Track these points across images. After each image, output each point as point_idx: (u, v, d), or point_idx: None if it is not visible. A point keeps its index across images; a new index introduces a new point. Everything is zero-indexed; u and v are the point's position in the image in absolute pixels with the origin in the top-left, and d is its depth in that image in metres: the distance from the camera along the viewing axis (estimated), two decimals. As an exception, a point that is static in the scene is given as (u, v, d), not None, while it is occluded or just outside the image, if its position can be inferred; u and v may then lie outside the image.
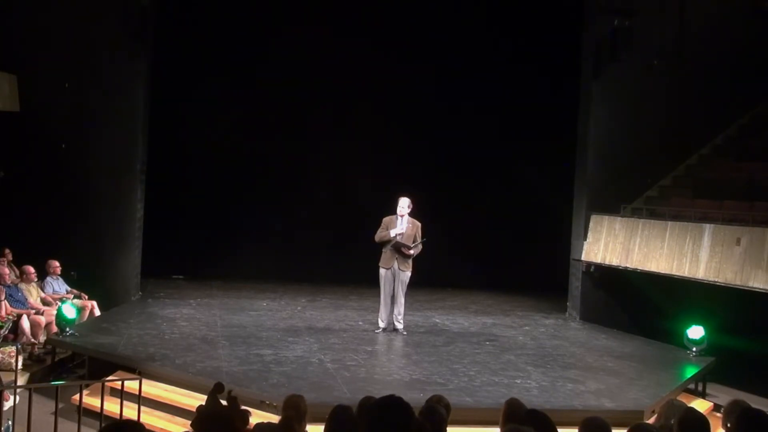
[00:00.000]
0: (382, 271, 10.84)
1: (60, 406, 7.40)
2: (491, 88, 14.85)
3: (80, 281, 11.65)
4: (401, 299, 10.87)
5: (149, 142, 13.04)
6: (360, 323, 11.63)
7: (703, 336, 10.36)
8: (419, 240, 10.73)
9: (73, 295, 11.23)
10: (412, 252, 10.74)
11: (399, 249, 10.67)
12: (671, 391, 8.74)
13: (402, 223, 10.74)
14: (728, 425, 4.27)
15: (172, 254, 14.49)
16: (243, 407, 4.75)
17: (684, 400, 8.65)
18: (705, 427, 4.16)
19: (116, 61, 12.13)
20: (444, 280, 15.05)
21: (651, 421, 6.68)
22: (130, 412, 7.44)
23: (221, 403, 4.54)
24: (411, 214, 10.81)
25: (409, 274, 10.81)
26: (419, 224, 10.82)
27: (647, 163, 13.01)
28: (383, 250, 10.81)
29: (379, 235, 10.75)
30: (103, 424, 7.10)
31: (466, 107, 15.21)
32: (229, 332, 10.49)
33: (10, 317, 9.81)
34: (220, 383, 4.82)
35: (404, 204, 10.75)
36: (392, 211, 10.80)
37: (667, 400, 4.94)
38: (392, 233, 10.64)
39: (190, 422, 5.00)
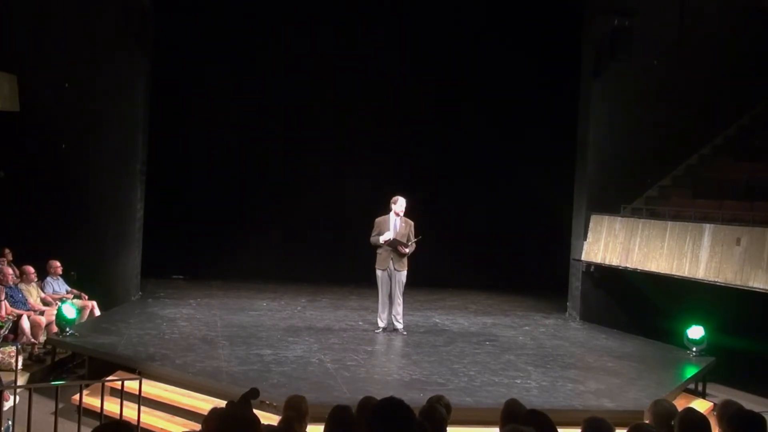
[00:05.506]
0: (378, 272, 10.85)
1: (60, 406, 7.40)
2: (491, 88, 14.85)
3: (80, 281, 11.65)
4: (399, 299, 10.87)
5: (149, 142, 13.03)
6: (360, 323, 11.63)
7: (703, 336, 10.35)
8: (413, 239, 10.75)
9: (73, 295, 11.23)
10: (407, 250, 10.74)
11: (396, 247, 10.69)
12: (671, 391, 8.73)
13: (395, 223, 10.75)
14: (721, 426, 4.28)
15: (172, 254, 14.46)
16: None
17: (684, 401, 8.68)
18: (705, 427, 4.16)
19: (116, 61, 12.13)
20: (444, 280, 15.02)
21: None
22: (130, 412, 7.42)
23: (252, 410, 4.45)
24: (405, 214, 10.82)
25: (405, 273, 10.81)
26: (412, 223, 10.81)
27: (647, 163, 13.00)
28: (378, 252, 10.83)
29: (373, 240, 10.80)
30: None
31: (466, 107, 15.22)
32: (229, 332, 10.49)
33: (10, 317, 9.81)
34: (256, 389, 4.75)
35: (402, 204, 10.77)
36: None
37: (652, 402, 4.90)
38: (382, 239, 10.68)
39: (200, 421, 4.93)
